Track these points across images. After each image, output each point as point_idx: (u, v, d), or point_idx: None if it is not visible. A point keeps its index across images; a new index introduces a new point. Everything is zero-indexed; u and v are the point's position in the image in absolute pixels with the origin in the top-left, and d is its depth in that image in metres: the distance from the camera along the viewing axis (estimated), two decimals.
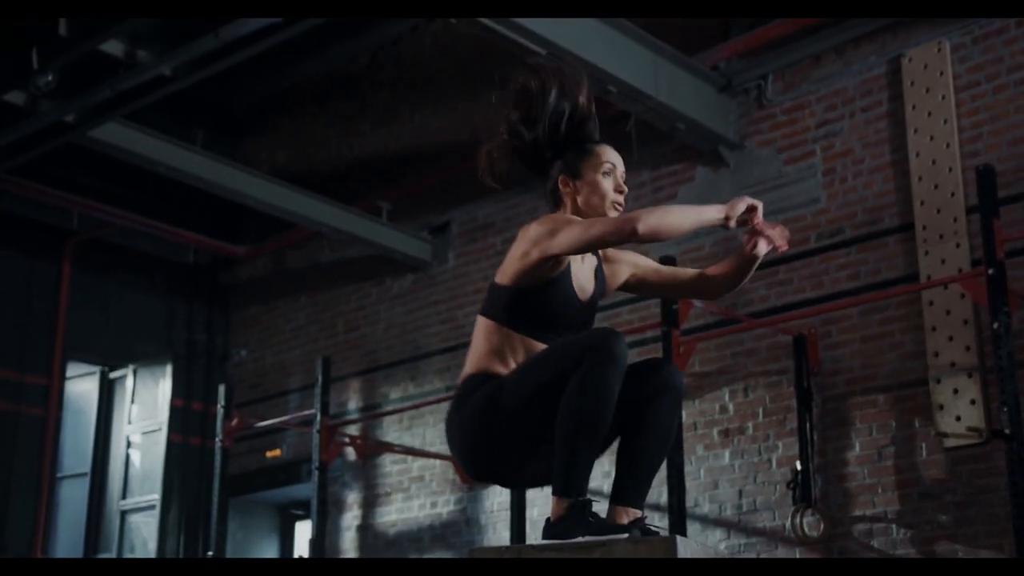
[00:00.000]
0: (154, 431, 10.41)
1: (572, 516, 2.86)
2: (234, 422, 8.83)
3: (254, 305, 10.75)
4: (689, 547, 2.85)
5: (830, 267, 7.10)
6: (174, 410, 10.36)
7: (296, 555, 10.26)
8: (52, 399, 9.88)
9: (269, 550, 10.52)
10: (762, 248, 3.05)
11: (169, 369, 10.48)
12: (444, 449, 8.70)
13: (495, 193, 8.78)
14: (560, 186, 3.15)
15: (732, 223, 2.93)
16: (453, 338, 8.87)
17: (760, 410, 7.17)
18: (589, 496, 2.90)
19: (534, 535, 7.71)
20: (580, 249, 2.94)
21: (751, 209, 2.96)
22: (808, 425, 6.81)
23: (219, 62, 6.83)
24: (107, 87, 7.13)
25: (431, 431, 8.85)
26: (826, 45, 7.29)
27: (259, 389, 10.37)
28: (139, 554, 10.19)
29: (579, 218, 3.03)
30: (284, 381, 10.21)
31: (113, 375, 10.79)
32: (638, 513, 2.97)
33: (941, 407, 6.42)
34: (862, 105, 7.17)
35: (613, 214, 3.08)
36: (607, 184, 3.11)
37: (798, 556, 6.79)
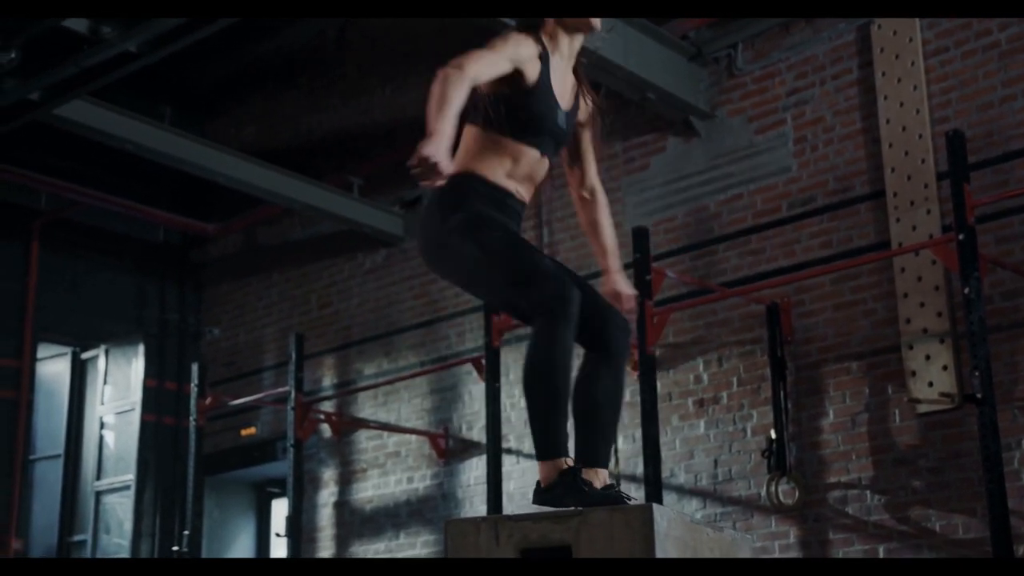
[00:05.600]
0: (127, 411, 10.34)
1: (564, 483, 2.93)
2: (208, 401, 8.80)
3: (226, 283, 10.69)
4: (665, 515, 2.85)
5: (802, 235, 7.11)
6: (147, 390, 10.29)
7: (273, 533, 10.24)
8: (23, 381, 9.80)
9: (246, 528, 10.50)
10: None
11: (141, 349, 10.41)
12: (420, 424, 8.70)
13: None
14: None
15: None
16: (427, 313, 8.85)
17: (734, 379, 7.20)
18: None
19: (511, 507, 7.72)
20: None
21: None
22: (782, 394, 6.84)
23: (185, 38, 6.74)
24: (71, 64, 7.02)
25: (406, 406, 8.84)
26: (796, 17, 7.28)
27: (233, 367, 10.32)
28: (114, 535, 10.14)
29: (500, 40, 3.07)
30: (258, 359, 10.17)
31: (85, 356, 10.71)
32: (606, 474, 3.08)
33: (914, 373, 6.46)
34: (832, 72, 7.17)
35: (596, 21, 3.21)
36: None
37: (774, 524, 6.83)
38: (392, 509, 8.82)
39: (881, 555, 6.42)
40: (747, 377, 7.14)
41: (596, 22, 3.20)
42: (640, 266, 6.47)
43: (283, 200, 9.18)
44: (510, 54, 3.04)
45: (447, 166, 2.81)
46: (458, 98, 2.85)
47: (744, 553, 3.28)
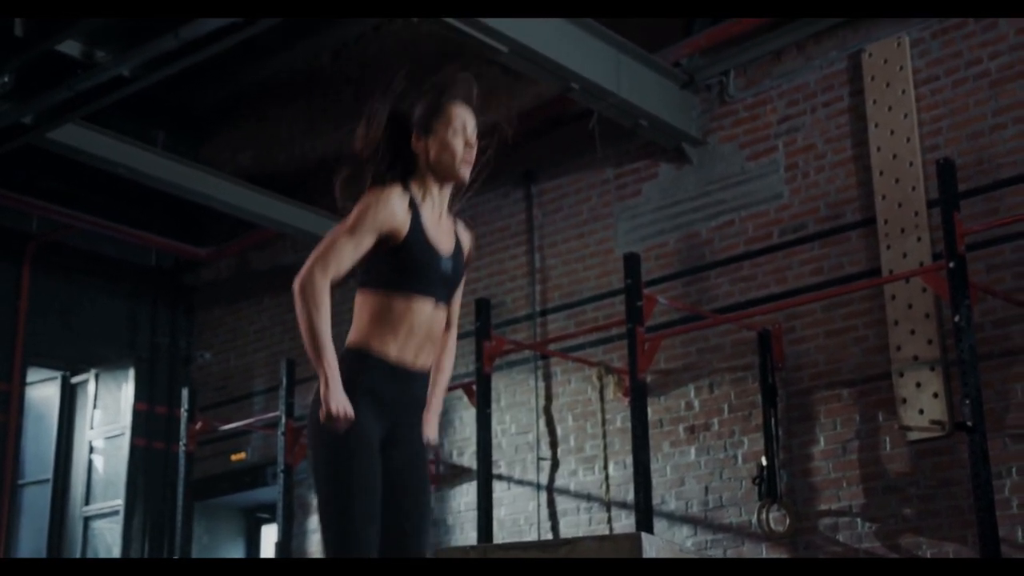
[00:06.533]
0: (117, 436, 10.29)
1: None
2: (198, 425, 8.76)
3: (217, 307, 10.67)
4: (655, 544, 2.85)
5: (793, 262, 7.12)
6: (137, 414, 10.25)
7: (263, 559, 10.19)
8: (12, 405, 9.75)
9: (235, 554, 10.44)
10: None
11: (132, 373, 10.37)
12: None
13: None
14: (413, 141, 3.21)
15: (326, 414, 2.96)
16: None
17: (725, 406, 7.19)
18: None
19: (502, 534, 7.70)
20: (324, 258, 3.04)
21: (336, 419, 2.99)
22: (773, 420, 6.83)
23: (179, 62, 6.76)
24: (65, 87, 7.04)
25: None
26: (787, 41, 7.32)
27: (223, 392, 10.29)
28: None
29: (363, 210, 3.05)
30: (248, 383, 10.13)
31: (75, 380, 10.67)
32: None
33: (904, 401, 6.45)
34: (823, 100, 7.20)
35: (464, 172, 3.17)
36: (457, 142, 3.16)
37: (764, 551, 6.81)
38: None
39: None
40: (738, 403, 7.13)
41: (464, 174, 3.18)
42: (632, 292, 6.47)
43: (275, 224, 9.17)
44: (370, 225, 3.04)
45: (350, 412, 2.93)
46: (323, 320, 2.95)
47: None
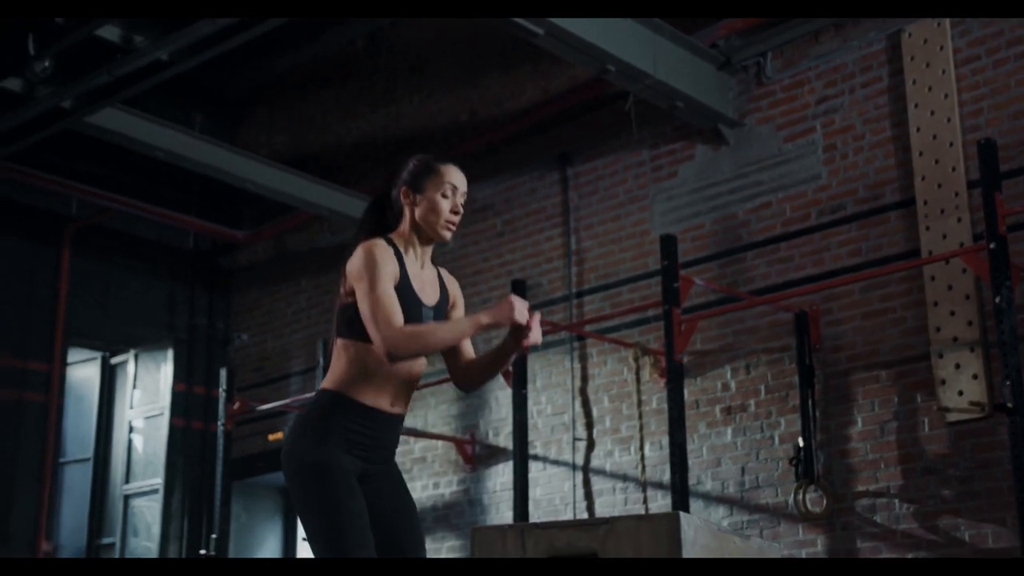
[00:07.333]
0: (156, 415, 10.42)
1: None
2: (236, 406, 8.84)
3: (255, 289, 10.75)
4: (692, 523, 2.86)
5: (831, 243, 7.09)
6: (176, 394, 10.37)
7: (300, 537, 10.28)
8: (53, 385, 9.88)
9: (272, 533, 10.54)
10: (533, 340, 3.15)
11: (170, 354, 10.49)
12: (446, 430, 8.72)
13: (494, 174, 8.76)
14: (402, 196, 3.26)
15: (521, 320, 3.05)
16: None
17: (762, 387, 7.17)
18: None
19: (537, 514, 7.73)
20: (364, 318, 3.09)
21: (528, 311, 3.07)
22: (810, 402, 6.81)
23: (216, 46, 6.80)
24: (104, 72, 7.10)
25: (432, 412, 8.86)
26: (825, 21, 7.26)
27: (261, 373, 10.38)
28: (143, 538, 10.21)
29: (369, 266, 3.10)
30: (286, 364, 10.21)
31: (114, 360, 10.80)
32: None
33: (943, 382, 6.42)
34: (862, 81, 7.15)
35: (446, 234, 3.24)
36: (444, 205, 3.23)
37: (801, 532, 6.81)
38: (419, 514, 8.83)
39: None
40: (775, 385, 7.12)
41: (445, 238, 3.25)
42: (668, 273, 6.46)
43: (312, 207, 9.22)
44: (383, 271, 3.09)
45: (518, 301, 3.04)
46: (434, 330, 3.07)
47: None
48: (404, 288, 3.14)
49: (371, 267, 3.08)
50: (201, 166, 8.63)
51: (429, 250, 3.29)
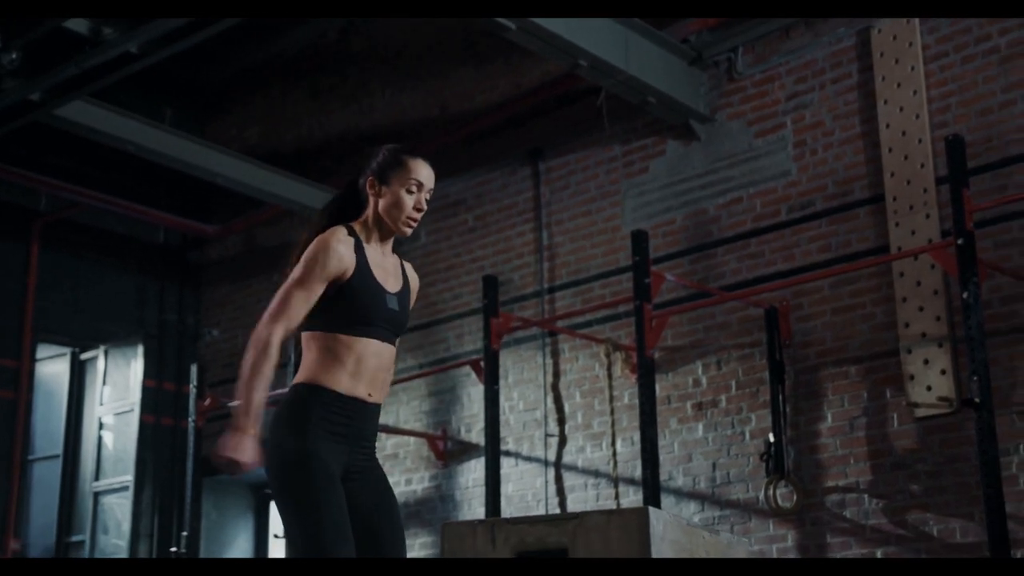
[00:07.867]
0: (126, 412, 10.34)
1: None
2: (207, 402, 8.80)
3: (225, 284, 10.69)
4: (661, 519, 2.86)
5: (801, 239, 7.12)
6: (146, 390, 10.30)
7: (271, 534, 10.24)
8: (22, 381, 9.79)
9: (244, 530, 10.49)
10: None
11: (140, 349, 10.41)
12: (418, 426, 8.70)
13: (466, 169, 8.75)
14: (368, 186, 3.28)
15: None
16: (426, 315, 8.85)
17: (733, 383, 7.20)
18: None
19: (509, 510, 7.73)
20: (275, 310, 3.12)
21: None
22: (781, 397, 6.84)
23: (186, 39, 6.75)
24: (72, 64, 7.04)
25: (404, 409, 8.84)
26: (796, 17, 7.29)
27: (231, 368, 10.31)
28: (112, 536, 10.14)
29: (310, 262, 3.12)
30: None
31: (84, 356, 10.71)
32: None
33: (912, 377, 6.46)
34: (832, 77, 7.18)
35: (406, 231, 3.25)
36: (408, 200, 3.24)
37: (771, 528, 6.83)
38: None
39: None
40: (745, 380, 7.14)
41: (406, 232, 3.25)
42: (639, 269, 6.47)
43: (283, 201, 9.18)
44: (319, 275, 3.10)
45: (251, 460, 2.94)
46: (267, 366, 3.03)
47: (741, 556, 3.28)
48: (366, 276, 3.15)
49: (311, 264, 3.10)
50: (171, 160, 8.57)
51: (391, 240, 3.30)
